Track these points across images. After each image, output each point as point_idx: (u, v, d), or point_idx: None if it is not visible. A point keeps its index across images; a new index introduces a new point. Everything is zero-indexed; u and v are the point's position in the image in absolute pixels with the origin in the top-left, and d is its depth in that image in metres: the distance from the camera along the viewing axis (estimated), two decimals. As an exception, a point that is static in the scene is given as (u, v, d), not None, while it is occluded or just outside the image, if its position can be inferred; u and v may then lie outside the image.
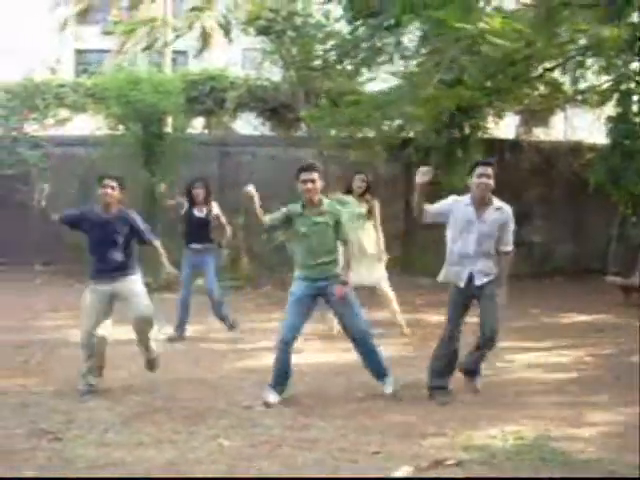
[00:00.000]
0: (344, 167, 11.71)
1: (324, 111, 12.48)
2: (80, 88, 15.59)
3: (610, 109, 12.83)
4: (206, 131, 15.75)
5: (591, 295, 12.23)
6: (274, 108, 15.48)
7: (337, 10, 12.13)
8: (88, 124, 14.63)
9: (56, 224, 6.41)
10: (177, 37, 20.18)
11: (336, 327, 8.50)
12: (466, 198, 6.10)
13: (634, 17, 10.29)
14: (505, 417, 5.61)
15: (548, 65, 12.09)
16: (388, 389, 6.22)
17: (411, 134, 13.58)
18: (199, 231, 8.79)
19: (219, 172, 14.11)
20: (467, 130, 13.33)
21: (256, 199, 6.03)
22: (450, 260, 6.15)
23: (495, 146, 14.10)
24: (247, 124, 15.87)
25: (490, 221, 6.02)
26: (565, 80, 13.29)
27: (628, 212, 13.18)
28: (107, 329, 6.25)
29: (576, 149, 14.97)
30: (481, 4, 9.77)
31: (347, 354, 7.69)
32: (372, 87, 12.83)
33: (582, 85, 13.13)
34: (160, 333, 8.04)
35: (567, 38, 9.99)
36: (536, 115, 15.62)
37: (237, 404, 5.93)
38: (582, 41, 10.19)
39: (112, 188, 6.26)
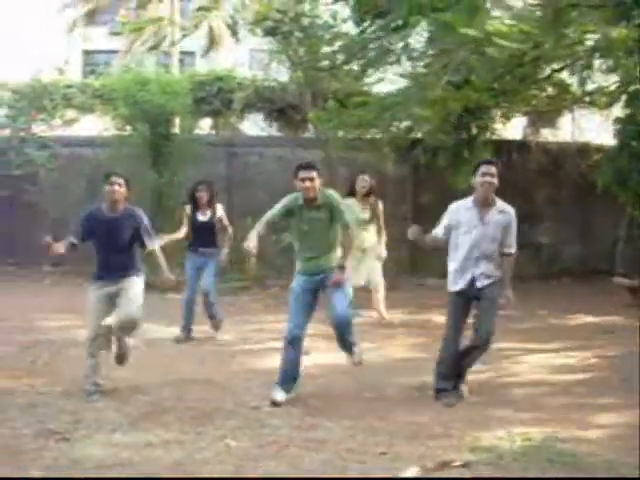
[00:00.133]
0: (352, 169, 11.70)
1: (331, 113, 12.47)
2: (88, 89, 15.65)
3: (618, 110, 12.80)
4: (213, 132, 15.79)
5: (598, 296, 12.20)
6: (281, 109, 15.50)
7: (344, 11, 12.13)
8: (96, 125, 14.67)
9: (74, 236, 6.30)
10: (184, 36, 20.20)
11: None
12: (468, 201, 6.09)
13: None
14: (512, 418, 5.61)
15: (556, 66, 12.06)
16: (356, 358, 6.33)
17: (419, 135, 13.57)
18: (203, 235, 8.72)
19: (226, 173, 14.16)
20: (474, 131, 13.30)
21: (255, 250, 5.90)
22: (454, 264, 6.14)
23: (503, 147, 14.08)
24: (254, 125, 15.89)
25: (493, 223, 6.01)
26: (573, 81, 13.25)
27: (635, 213, 13.10)
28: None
29: (583, 150, 14.94)
30: (488, 5, 9.75)
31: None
32: (379, 89, 12.83)
33: (590, 86, 13.09)
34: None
35: (575, 39, 9.96)
36: (544, 116, 15.58)
37: (244, 404, 5.94)
38: (590, 42, 10.16)
39: (119, 185, 6.24)
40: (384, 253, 8.96)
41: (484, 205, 6.01)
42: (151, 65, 18.94)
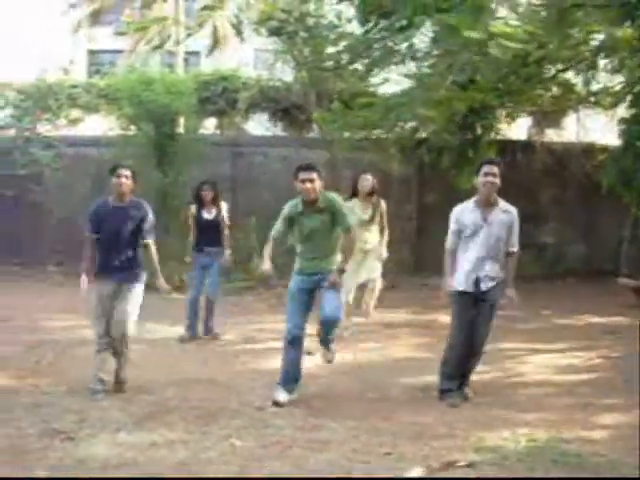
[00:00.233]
0: (357, 170, 11.69)
1: (336, 114, 12.46)
2: (93, 89, 15.67)
3: (623, 111, 12.79)
4: (218, 132, 15.80)
5: (603, 297, 12.18)
6: (286, 109, 15.50)
7: (349, 11, 12.13)
8: (100, 124, 14.70)
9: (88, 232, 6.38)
10: (189, 36, 20.20)
11: (348, 330, 8.54)
12: (470, 203, 6.09)
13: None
14: (517, 419, 5.61)
15: (561, 66, 12.04)
16: (329, 356, 6.47)
17: (424, 135, 13.57)
18: (209, 233, 8.74)
19: (231, 173, 14.17)
20: (479, 131, 13.29)
21: (272, 271, 6.12)
22: (460, 266, 6.13)
23: (507, 147, 14.07)
24: (259, 125, 15.90)
25: (497, 223, 6.01)
26: (578, 81, 13.24)
27: (640, 213, 13.12)
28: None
29: (588, 150, 14.92)
30: (493, 5, 9.74)
31: (358, 355, 7.72)
32: (384, 89, 12.82)
33: (595, 86, 13.07)
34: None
35: (580, 39, 9.94)
36: (548, 116, 15.57)
37: (249, 404, 5.94)
38: (595, 42, 10.15)
39: (126, 177, 6.28)
40: (385, 254, 8.96)
41: (487, 205, 6.01)
42: (156, 65, 18.98)
